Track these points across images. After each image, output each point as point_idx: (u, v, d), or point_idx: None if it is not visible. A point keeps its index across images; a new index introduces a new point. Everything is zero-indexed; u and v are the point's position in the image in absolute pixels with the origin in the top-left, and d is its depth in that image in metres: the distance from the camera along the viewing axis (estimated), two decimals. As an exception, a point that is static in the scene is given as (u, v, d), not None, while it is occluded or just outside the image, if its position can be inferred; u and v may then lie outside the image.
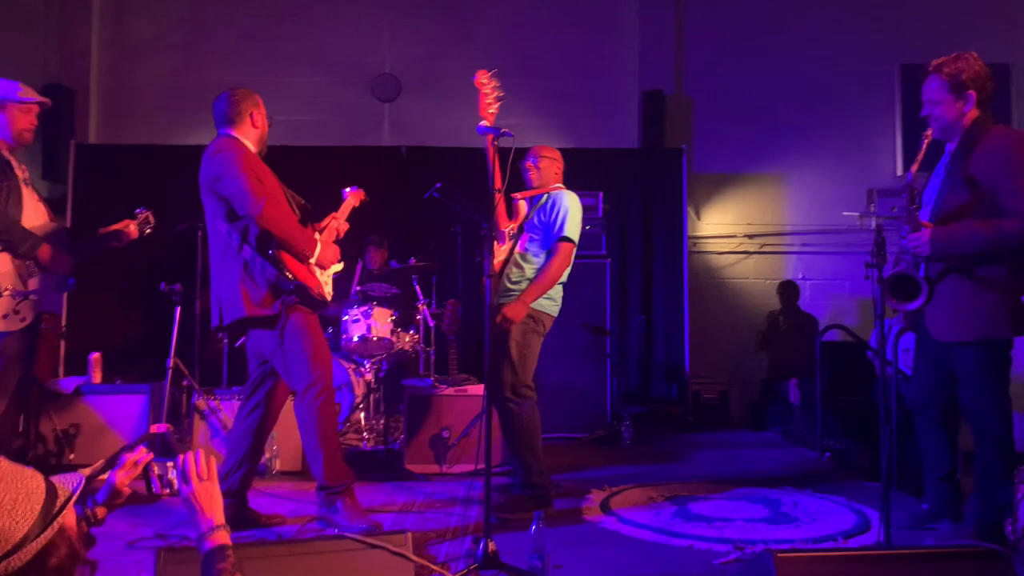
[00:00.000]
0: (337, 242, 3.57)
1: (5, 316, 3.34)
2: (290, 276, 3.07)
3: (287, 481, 4.18)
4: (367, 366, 5.30)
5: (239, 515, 3.20)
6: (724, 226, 7.67)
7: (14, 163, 3.55)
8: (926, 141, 3.03)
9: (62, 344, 6.61)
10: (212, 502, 1.81)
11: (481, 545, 2.65)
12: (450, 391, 4.43)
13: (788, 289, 7.16)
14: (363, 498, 3.80)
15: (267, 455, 4.29)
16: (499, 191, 3.09)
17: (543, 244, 3.66)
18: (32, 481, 1.39)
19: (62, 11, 7.44)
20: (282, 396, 3.38)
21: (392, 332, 5.20)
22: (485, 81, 3.19)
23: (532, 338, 3.62)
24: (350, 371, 5.28)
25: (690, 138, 7.61)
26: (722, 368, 7.07)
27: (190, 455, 1.84)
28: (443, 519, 3.48)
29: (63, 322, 6.26)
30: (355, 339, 5.14)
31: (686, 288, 7.16)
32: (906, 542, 3.05)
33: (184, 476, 1.82)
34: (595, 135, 7.50)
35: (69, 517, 1.45)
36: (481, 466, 4.32)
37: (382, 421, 5.18)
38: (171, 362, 4.33)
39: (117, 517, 3.34)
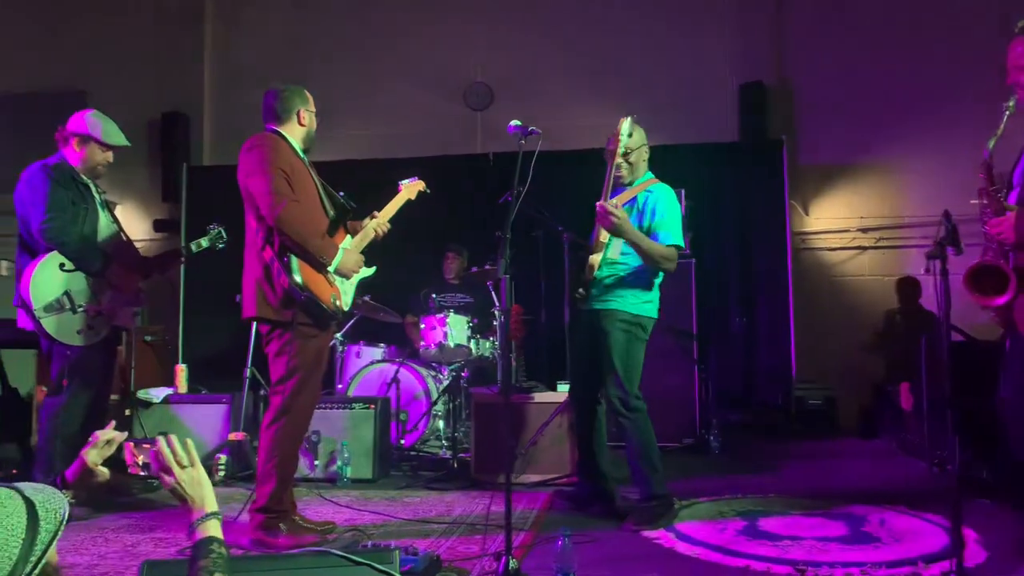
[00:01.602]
0: (382, 243, 3.55)
1: (80, 331, 3.56)
2: (301, 286, 3.07)
3: (355, 490, 4.23)
4: (445, 373, 5.30)
5: None
6: (835, 220, 7.19)
7: (92, 187, 3.80)
8: (1007, 113, 2.67)
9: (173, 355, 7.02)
10: (199, 489, 1.70)
11: (503, 562, 2.55)
12: (516, 399, 4.34)
13: (907, 285, 6.60)
14: (421, 508, 3.81)
15: (338, 463, 4.38)
16: (519, 191, 2.96)
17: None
18: (12, 518, 1.38)
19: (178, 44, 7.97)
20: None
21: (469, 339, 5.18)
22: None
23: (636, 346, 3.50)
24: (428, 378, 5.30)
25: (793, 129, 7.19)
26: (831, 372, 6.59)
27: (166, 441, 1.72)
28: (493, 533, 3.39)
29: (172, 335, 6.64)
30: (432, 346, 5.15)
31: (791, 287, 6.74)
32: (1000, 570, 2.69)
33: (164, 466, 1.70)
34: (690, 130, 7.20)
35: (52, 554, 1.47)
36: (551, 476, 4.26)
37: (462, 429, 5.17)
38: (248, 372, 4.49)
39: (126, 521, 3.49)
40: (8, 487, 1.46)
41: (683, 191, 5.67)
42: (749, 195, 6.89)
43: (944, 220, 2.47)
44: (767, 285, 6.78)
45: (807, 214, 7.17)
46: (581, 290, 3.55)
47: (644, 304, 3.53)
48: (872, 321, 6.75)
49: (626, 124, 3.55)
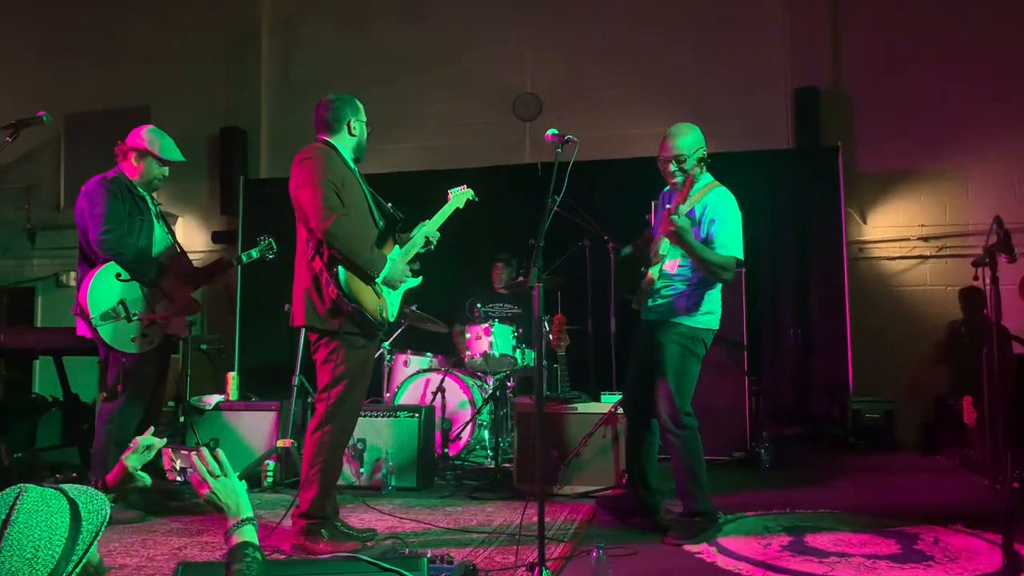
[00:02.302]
0: (430, 254, 3.58)
1: (134, 339, 3.68)
2: (349, 297, 3.12)
3: (398, 498, 4.26)
4: (491, 383, 5.31)
5: None
6: (894, 228, 6.97)
7: (149, 200, 3.93)
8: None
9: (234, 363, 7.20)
10: (233, 497, 1.78)
11: (536, 573, 2.53)
12: (559, 408, 4.32)
13: (972, 295, 6.35)
14: (462, 517, 3.81)
15: (383, 471, 4.42)
16: (555, 200, 2.95)
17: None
18: (56, 517, 1.45)
19: (237, 60, 8.21)
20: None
21: (515, 349, 5.18)
22: None
23: (691, 362, 3.44)
24: (474, 388, 5.31)
25: (851, 136, 7.00)
26: (890, 385, 6.37)
27: (198, 455, 1.79)
28: (529, 543, 3.36)
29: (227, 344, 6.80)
30: (478, 356, 5.16)
31: (847, 297, 6.55)
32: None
33: (199, 478, 1.79)
34: (743, 137, 7.07)
35: (93, 553, 1.52)
36: (595, 487, 4.22)
37: (506, 439, 5.16)
38: (295, 380, 4.57)
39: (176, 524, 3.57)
40: (54, 488, 1.52)
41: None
42: (804, 203, 6.73)
43: (995, 226, 2.38)
44: (822, 295, 6.60)
45: (864, 222, 6.97)
46: (632, 297, 3.53)
47: (703, 316, 3.46)
48: (933, 333, 6.52)
49: (676, 129, 3.49)
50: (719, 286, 3.50)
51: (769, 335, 6.56)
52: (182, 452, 1.93)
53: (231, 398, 4.75)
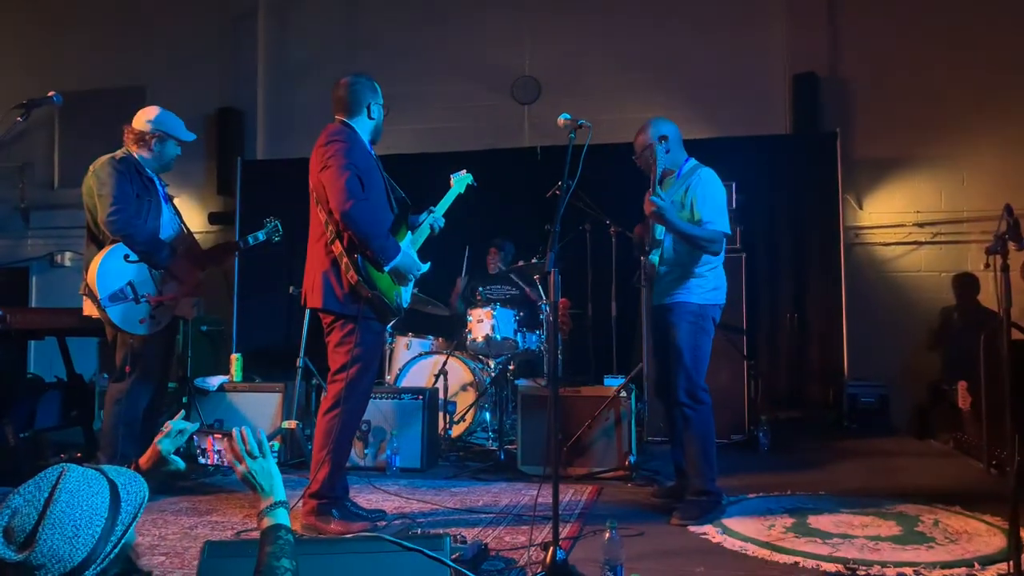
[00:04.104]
0: (436, 239, 3.61)
1: (143, 320, 3.68)
2: (370, 283, 3.13)
3: (403, 479, 4.30)
4: (492, 365, 5.34)
5: None
6: (890, 214, 7.02)
7: (157, 181, 3.92)
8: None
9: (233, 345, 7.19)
10: (269, 479, 1.79)
11: (550, 552, 2.57)
12: (563, 392, 4.36)
13: (965, 282, 6.44)
14: (468, 498, 3.85)
15: (388, 452, 4.45)
16: (568, 185, 2.97)
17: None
18: (97, 497, 1.47)
19: (233, 41, 8.13)
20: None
21: (516, 332, 5.21)
22: None
23: (703, 338, 3.51)
24: (476, 370, 5.34)
25: (848, 122, 7.03)
26: (884, 370, 6.44)
27: (240, 433, 1.82)
28: (540, 523, 3.41)
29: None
30: (480, 339, 5.19)
31: (843, 282, 6.62)
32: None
33: (236, 456, 1.81)
34: (741, 123, 7.10)
35: (131, 534, 1.54)
36: (597, 470, 4.27)
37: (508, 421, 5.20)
38: (301, 361, 4.59)
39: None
40: (94, 468, 1.54)
41: (734, 184, 5.63)
42: (801, 188, 6.77)
43: (1005, 214, 2.42)
44: (819, 280, 6.66)
45: (861, 208, 7.01)
46: (639, 282, 3.60)
47: (709, 293, 3.53)
48: (928, 318, 6.60)
49: (641, 128, 3.60)
50: (720, 262, 3.59)
51: (766, 320, 6.62)
52: (217, 436, 1.97)
53: (235, 379, 4.76)
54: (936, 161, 6.90)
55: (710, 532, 3.25)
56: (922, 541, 3.09)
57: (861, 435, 5.84)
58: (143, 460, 1.93)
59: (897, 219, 6.98)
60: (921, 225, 6.91)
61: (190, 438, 1.99)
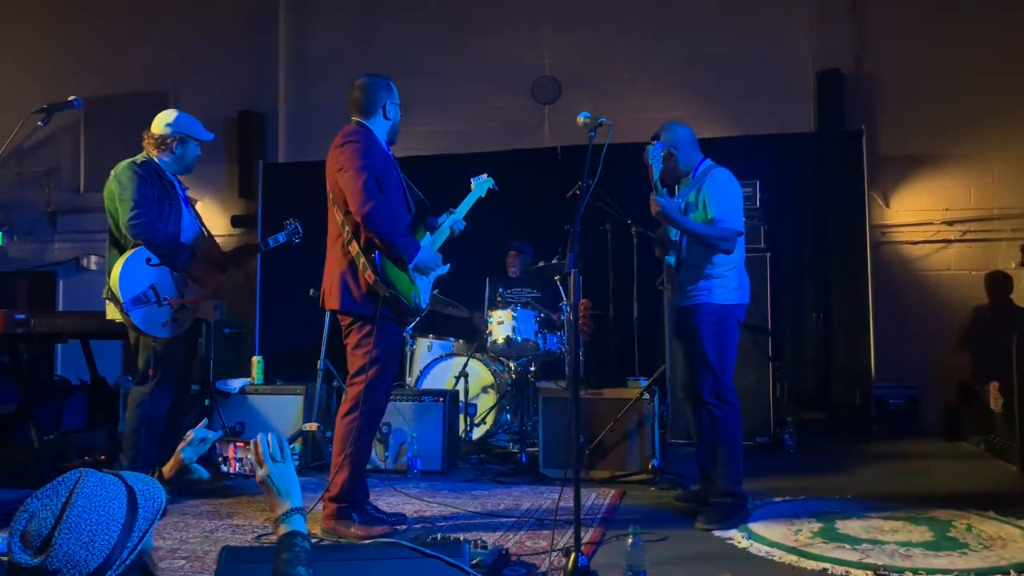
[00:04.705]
0: (456, 240, 3.58)
1: (165, 324, 3.69)
2: (386, 283, 3.11)
3: (424, 481, 4.28)
4: (513, 367, 5.30)
5: None
6: (918, 212, 6.89)
7: (177, 184, 3.93)
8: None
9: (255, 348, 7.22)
10: (287, 484, 1.80)
11: (572, 559, 2.53)
12: (584, 394, 4.31)
13: (997, 280, 6.32)
14: (489, 501, 3.82)
15: (408, 455, 4.43)
16: (588, 185, 2.93)
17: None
18: (114, 503, 1.45)
19: (253, 44, 8.18)
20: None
21: (536, 334, 5.17)
22: None
23: (727, 338, 3.47)
24: (496, 372, 5.31)
25: (874, 119, 6.91)
26: (913, 370, 6.32)
27: (264, 437, 1.83)
28: (562, 528, 3.37)
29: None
30: (500, 341, 5.15)
31: (870, 281, 6.51)
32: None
33: (260, 459, 1.81)
34: (765, 121, 7.00)
35: (148, 540, 1.52)
36: (619, 473, 4.22)
37: (529, 423, 5.16)
38: (322, 363, 4.58)
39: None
40: (112, 474, 1.52)
41: (758, 183, 5.56)
42: (827, 187, 6.66)
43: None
44: (845, 279, 6.55)
45: (888, 206, 6.89)
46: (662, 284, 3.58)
47: (732, 292, 3.48)
48: (958, 317, 6.47)
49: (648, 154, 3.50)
50: (741, 261, 3.54)
51: (791, 320, 6.52)
52: (240, 444, 1.97)
53: (256, 382, 4.76)
54: (965, 158, 6.76)
55: (735, 537, 3.19)
56: (955, 547, 3.01)
57: (889, 437, 5.74)
58: (166, 468, 1.92)
59: (925, 217, 6.86)
60: (950, 223, 6.78)
61: (212, 446, 1.98)
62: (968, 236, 6.72)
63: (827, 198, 6.66)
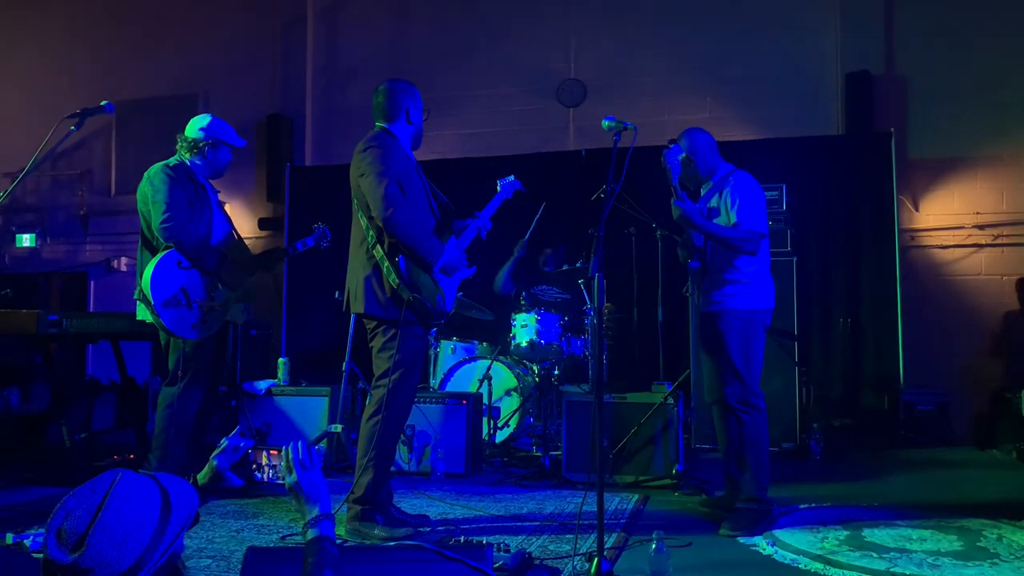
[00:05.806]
0: (482, 243, 3.60)
1: (195, 325, 3.74)
2: (410, 286, 3.13)
3: (447, 484, 4.29)
4: (537, 370, 5.31)
5: None
6: (948, 216, 6.78)
7: (208, 188, 3.98)
8: None
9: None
10: (315, 491, 1.84)
11: (595, 564, 2.53)
12: (608, 398, 4.30)
13: (1030, 286, 6.19)
14: (512, 505, 3.82)
15: (432, 457, 4.45)
16: (613, 189, 2.92)
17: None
18: (148, 505, 1.47)
19: (282, 47, 8.27)
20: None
21: (560, 337, 5.17)
22: None
23: (754, 343, 3.46)
24: (520, 375, 5.31)
25: (904, 121, 6.82)
26: (943, 377, 6.23)
27: (295, 445, 1.87)
28: (585, 532, 3.36)
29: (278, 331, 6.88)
30: (524, 344, 5.16)
31: (898, 286, 6.42)
32: None
33: (288, 466, 1.85)
34: (792, 124, 6.94)
35: (179, 544, 1.55)
36: (643, 478, 4.20)
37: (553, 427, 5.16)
38: (347, 366, 4.61)
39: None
40: (149, 476, 1.54)
41: (784, 186, 5.51)
42: (855, 190, 6.59)
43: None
44: (873, 284, 6.47)
45: (917, 210, 6.80)
46: (687, 290, 3.58)
47: (757, 297, 3.47)
48: (989, 323, 6.36)
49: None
50: (766, 265, 3.53)
51: (818, 325, 6.45)
52: (273, 452, 2.00)
53: (281, 383, 4.81)
54: (996, 161, 6.65)
55: (760, 544, 3.17)
56: (985, 557, 2.97)
57: (918, 444, 5.65)
58: (201, 476, 1.95)
59: (956, 221, 6.75)
60: (981, 227, 6.66)
61: (245, 454, 2.01)
62: (1000, 240, 6.61)
63: (855, 202, 6.59)
